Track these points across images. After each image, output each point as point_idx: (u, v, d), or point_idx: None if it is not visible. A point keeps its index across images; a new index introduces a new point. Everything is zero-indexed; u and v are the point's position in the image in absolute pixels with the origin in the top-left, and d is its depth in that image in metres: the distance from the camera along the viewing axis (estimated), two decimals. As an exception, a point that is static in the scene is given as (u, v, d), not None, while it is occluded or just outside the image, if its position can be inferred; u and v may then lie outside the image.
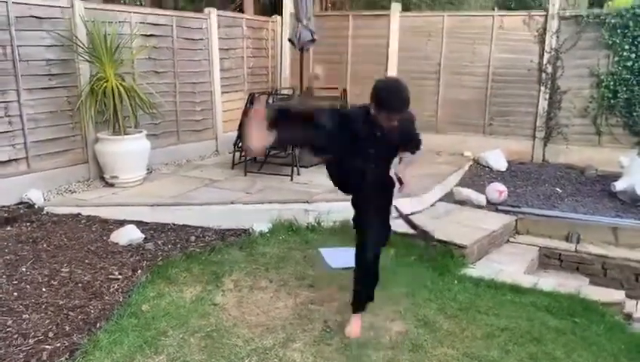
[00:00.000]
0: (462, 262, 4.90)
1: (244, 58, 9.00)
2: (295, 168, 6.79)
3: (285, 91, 8.77)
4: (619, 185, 6.59)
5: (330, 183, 6.49)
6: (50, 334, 3.34)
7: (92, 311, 3.64)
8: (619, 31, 7.52)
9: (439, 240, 5.12)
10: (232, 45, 8.72)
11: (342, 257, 4.76)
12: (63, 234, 4.99)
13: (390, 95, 3.16)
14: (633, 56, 7.46)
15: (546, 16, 7.99)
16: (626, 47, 7.49)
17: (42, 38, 5.88)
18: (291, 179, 6.64)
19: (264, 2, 11.78)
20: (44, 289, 3.89)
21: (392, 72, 8.90)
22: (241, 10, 10.85)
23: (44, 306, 3.65)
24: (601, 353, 3.45)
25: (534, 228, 6.06)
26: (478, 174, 7.76)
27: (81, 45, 6.11)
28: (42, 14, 5.85)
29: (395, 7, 8.98)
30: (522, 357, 3.33)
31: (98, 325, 3.47)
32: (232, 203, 5.74)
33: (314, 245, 5.09)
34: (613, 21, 7.54)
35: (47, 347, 3.20)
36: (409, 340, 3.45)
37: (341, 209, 5.63)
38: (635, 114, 7.59)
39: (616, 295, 4.57)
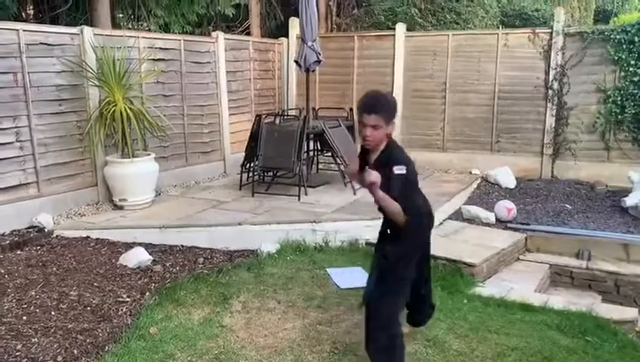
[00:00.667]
0: (471, 281, 4.87)
1: (251, 80, 9.10)
2: (302, 188, 6.80)
3: (292, 112, 8.84)
4: (629, 201, 6.54)
5: (338, 203, 6.54)
6: (59, 358, 3.34)
7: (100, 335, 3.64)
8: (624, 46, 7.54)
9: (448, 259, 5.10)
10: (240, 68, 8.82)
11: (350, 277, 4.75)
12: (72, 257, 5.02)
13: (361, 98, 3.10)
14: (640, 71, 7.47)
15: (551, 33, 8.02)
16: (632, 62, 7.50)
17: (52, 64, 5.98)
18: (299, 200, 6.64)
19: (270, 25, 11.92)
20: (53, 313, 3.90)
21: (398, 91, 8.95)
22: (248, 33, 10.99)
23: (52, 330, 3.66)
24: (614, 372, 3.40)
25: (544, 246, 6.01)
26: (487, 192, 7.73)
27: (91, 70, 6.21)
28: (52, 41, 5.96)
29: (400, 28, 9.06)
30: (533, 377, 3.28)
31: (106, 348, 3.48)
32: (240, 224, 5.75)
33: (322, 265, 5.08)
34: (618, 37, 7.56)
35: (55, 371, 3.20)
36: (419, 360, 3.41)
37: (348, 228, 5.69)
38: (643, 128, 7.57)
39: (629, 312, 4.50)
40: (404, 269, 3.12)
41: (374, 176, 2.81)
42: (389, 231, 3.21)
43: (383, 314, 3.06)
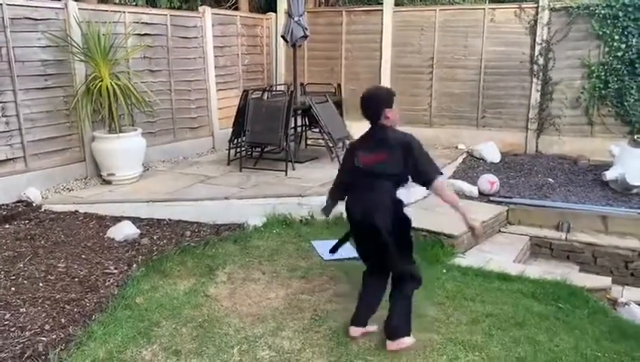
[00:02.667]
0: (451, 252, 4.99)
1: (239, 55, 9.08)
2: (290, 163, 6.86)
3: (280, 88, 8.85)
4: (610, 175, 6.66)
5: (324, 177, 6.62)
6: (47, 326, 3.44)
7: (87, 304, 3.74)
8: (609, 21, 7.60)
9: (429, 231, 5.21)
10: (227, 43, 8.80)
11: (334, 249, 4.85)
12: (61, 231, 5.09)
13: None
14: (623, 46, 7.53)
15: (537, 7, 8.05)
16: (616, 37, 7.56)
17: (37, 39, 5.97)
18: (286, 174, 6.72)
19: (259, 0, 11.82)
20: (41, 284, 3.99)
21: (386, 66, 9.00)
22: (236, 8, 10.91)
23: (40, 300, 3.75)
24: (584, 336, 3.53)
25: (526, 218, 6.14)
26: (472, 166, 7.84)
27: (76, 45, 6.20)
28: (37, 16, 5.94)
29: (388, 2, 9.04)
30: (505, 341, 3.41)
31: (93, 317, 3.57)
32: (227, 198, 5.83)
33: (307, 238, 5.18)
34: (603, 12, 7.61)
35: (43, 339, 3.29)
36: (395, 326, 3.53)
37: (334, 202, 5.75)
38: (626, 103, 7.67)
39: (603, 281, 4.65)
40: None
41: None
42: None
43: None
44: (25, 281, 4.02)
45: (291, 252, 4.86)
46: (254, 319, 3.66)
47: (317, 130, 7.67)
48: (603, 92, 7.79)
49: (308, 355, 3.25)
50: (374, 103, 3.34)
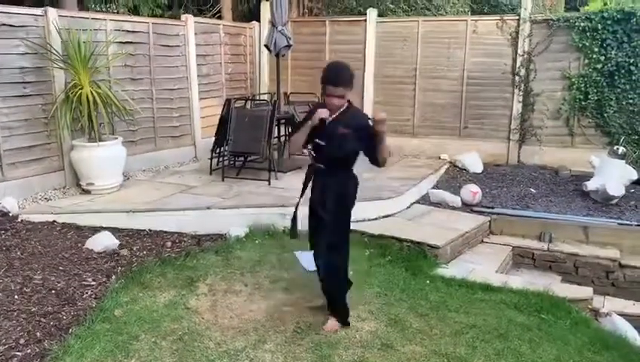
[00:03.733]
0: (435, 263, 4.99)
1: (222, 64, 9.03)
2: (273, 173, 6.82)
3: (264, 97, 8.82)
4: (590, 185, 6.73)
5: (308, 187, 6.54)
6: (22, 341, 3.34)
7: (64, 318, 3.65)
8: (588, 34, 7.71)
9: (413, 241, 5.20)
10: (210, 51, 8.75)
11: (317, 260, 4.80)
12: (38, 241, 4.97)
13: (326, 70, 3.49)
14: (602, 58, 7.64)
15: (519, 20, 8.15)
16: (596, 49, 7.67)
17: (16, 45, 5.86)
18: (269, 184, 6.67)
19: (242, 9, 11.82)
20: (16, 297, 3.88)
21: (369, 77, 9.03)
22: (219, 17, 10.89)
23: (15, 313, 3.65)
24: (566, 347, 3.54)
25: (508, 228, 6.17)
26: (455, 176, 7.87)
27: (55, 53, 6.11)
28: (15, 22, 5.84)
29: (372, 13, 9.08)
30: (489, 353, 3.40)
31: (70, 331, 3.49)
32: (209, 208, 5.76)
33: (290, 249, 5.13)
34: (582, 24, 7.72)
35: (17, 353, 3.20)
36: (379, 338, 3.51)
37: (317, 212, 5.72)
38: (605, 115, 7.78)
39: (584, 291, 4.68)
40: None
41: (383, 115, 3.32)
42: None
43: None
44: (-1, 294, 3.92)
45: (274, 263, 4.81)
46: (236, 332, 3.60)
47: (300, 139, 7.62)
48: (583, 103, 7.89)
49: (290, 369, 3.20)
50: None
